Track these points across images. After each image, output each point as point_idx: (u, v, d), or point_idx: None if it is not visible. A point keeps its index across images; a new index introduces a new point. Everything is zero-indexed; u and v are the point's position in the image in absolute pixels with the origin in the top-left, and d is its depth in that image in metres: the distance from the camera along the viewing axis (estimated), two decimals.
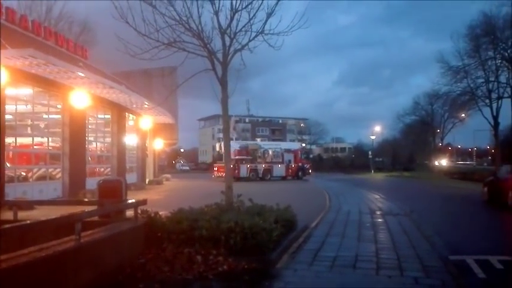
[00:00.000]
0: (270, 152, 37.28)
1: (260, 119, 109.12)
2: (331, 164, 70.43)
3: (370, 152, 66.47)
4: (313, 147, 50.82)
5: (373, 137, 67.68)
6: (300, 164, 38.24)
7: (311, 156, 59.13)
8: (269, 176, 35.59)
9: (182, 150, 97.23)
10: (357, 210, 14.01)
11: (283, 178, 36.32)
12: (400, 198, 19.16)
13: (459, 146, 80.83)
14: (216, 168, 35.28)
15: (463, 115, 49.91)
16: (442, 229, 10.49)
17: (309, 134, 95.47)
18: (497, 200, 15.94)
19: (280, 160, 37.27)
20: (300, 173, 37.84)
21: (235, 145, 35.34)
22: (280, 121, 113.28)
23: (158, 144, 33.71)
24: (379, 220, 11.73)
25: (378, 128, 68.76)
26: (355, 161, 76.01)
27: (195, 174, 51.26)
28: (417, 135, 64.20)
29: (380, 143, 77.72)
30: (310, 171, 39.62)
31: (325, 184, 29.76)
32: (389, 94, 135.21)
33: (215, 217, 7.34)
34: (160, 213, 7.67)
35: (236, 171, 32.51)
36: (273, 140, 74.87)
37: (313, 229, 9.82)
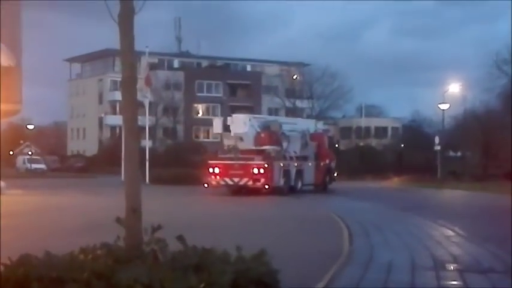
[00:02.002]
0: (298, 138, 28.01)
1: (206, 63, 72.90)
2: (356, 160, 51.62)
3: (437, 138, 46.93)
4: (320, 125, 36.02)
5: (444, 107, 47.39)
6: (327, 162, 30.26)
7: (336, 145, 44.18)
8: (300, 185, 27.73)
9: (32, 127, 71.37)
10: (407, 261, 10.13)
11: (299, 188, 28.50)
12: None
13: None
14: (212, 170, 25.87)
15: None
16: None
17: (310, 96, 66.04)
18: None
19: (307, 154, 28.66)
20: (327, 179, 30.26)
21: (254, 123, 26.61)
22: (249, 67, 76.45)
23: None
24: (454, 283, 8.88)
25: (454, 88, 48.91)
26: (405, 155, 57.67)
27: (61, 180, 41.64)
28: None
29: (459, 120, 54.66)
30: (335, 173, 32.22)
31: (343, 206, 21.79)
32: (476, 14, 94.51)
33: (102, 274, 5.11)
34: None
35: (269, 174, 24.67)
36: (233, 106, 59.23)
37: None
